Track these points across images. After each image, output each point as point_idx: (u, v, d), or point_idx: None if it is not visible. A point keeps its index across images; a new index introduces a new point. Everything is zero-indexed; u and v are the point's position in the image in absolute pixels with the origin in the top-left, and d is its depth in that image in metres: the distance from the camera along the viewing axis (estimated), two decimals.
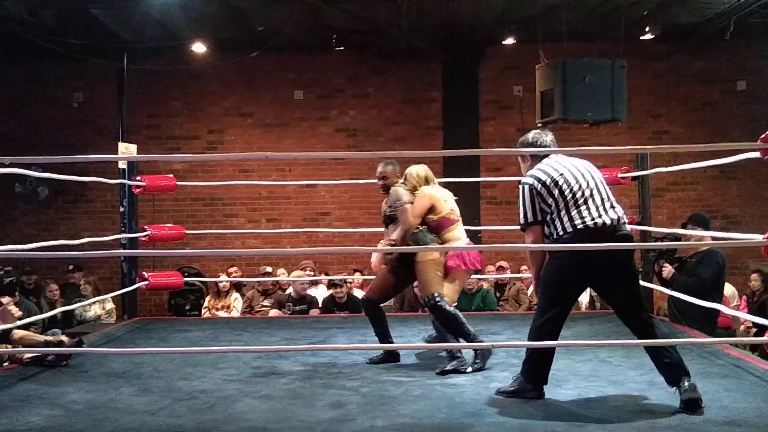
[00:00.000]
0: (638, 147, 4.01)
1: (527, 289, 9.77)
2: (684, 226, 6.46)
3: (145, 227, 7.28)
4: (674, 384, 4.10)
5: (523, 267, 10.71)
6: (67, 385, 4.78)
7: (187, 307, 10.75)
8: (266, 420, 3.98)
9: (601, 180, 4.36)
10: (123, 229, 7.71)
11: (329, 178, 11.16)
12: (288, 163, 11.77)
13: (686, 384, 4.03)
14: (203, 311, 9.77)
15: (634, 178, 7.15)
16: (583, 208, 4.20)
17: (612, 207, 4.27)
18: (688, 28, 10.65)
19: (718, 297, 6.44)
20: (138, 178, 7.15)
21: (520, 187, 4.35)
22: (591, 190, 4.26)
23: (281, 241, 11.60)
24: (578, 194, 4.23)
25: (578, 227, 4.18)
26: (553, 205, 4.24)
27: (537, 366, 4.32)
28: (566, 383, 4.67)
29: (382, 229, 9.56)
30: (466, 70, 11.61)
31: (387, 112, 11.95)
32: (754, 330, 8.12)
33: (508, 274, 9.87)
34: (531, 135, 4.60)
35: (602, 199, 4.26)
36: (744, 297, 9.26)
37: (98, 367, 5.28)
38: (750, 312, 8.40)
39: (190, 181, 9.44)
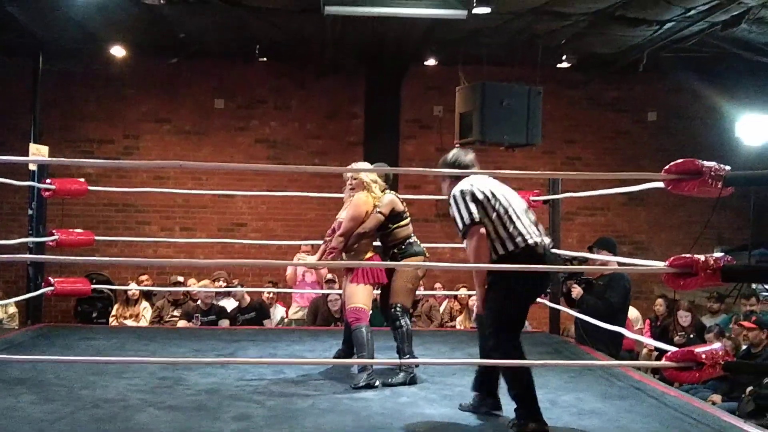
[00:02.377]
0: (550, 172, 4.08)
1: (439, 306, 9.88)
2: (590, 250, 6.64)
3: (54, 231, 7.08)
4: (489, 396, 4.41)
5: (437, 285, 10.84)
6: None
7: (94, 315, 10.51)
8: (169, 431, 3.93)
9: (523, 201, 4.38)
10: (30, 232, 7.48)
11: (247, 189, 11.09)
12: (205, 172, 11.65)
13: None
14: (111, 319, 9.56)
15: (545, 202, 7.31)
16: (519, 224, 4.16)
17: (539, 227, 4.30)
18: (603, 58, 11.00)
19: (624, 320, 6.63)
20: (48, 180, 6.96)
21: (454, 194, 4.21)
22: (523, 209, 4.26)
23: (195, 251, 11.46)
24: (514, 210, 4.19)
25: (523, 245, 4.11)
26: (494, 216, 4.13)
27: (527, 398, 4.08)
28: (468, 401, 4.73)
29: (299, 242, 9.60)
30: (389, 87, 11.71)
31: (308, 125, 11.96)
32: (656, 353, 8.38)
33: (420, 291, 9.94)
34: (450, 155, 4.53)
35: (531, 219, 4.27)
36: (648, 321, 9.55)
37: None
38: (653, 336, 8.67)
39: (102, 186, 9.23)
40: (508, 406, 4.24)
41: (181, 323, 8.70)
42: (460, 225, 4.17)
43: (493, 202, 4.17)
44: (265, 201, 11.57)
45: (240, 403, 4.52)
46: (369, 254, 5.53)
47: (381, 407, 4.53)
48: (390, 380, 5.07)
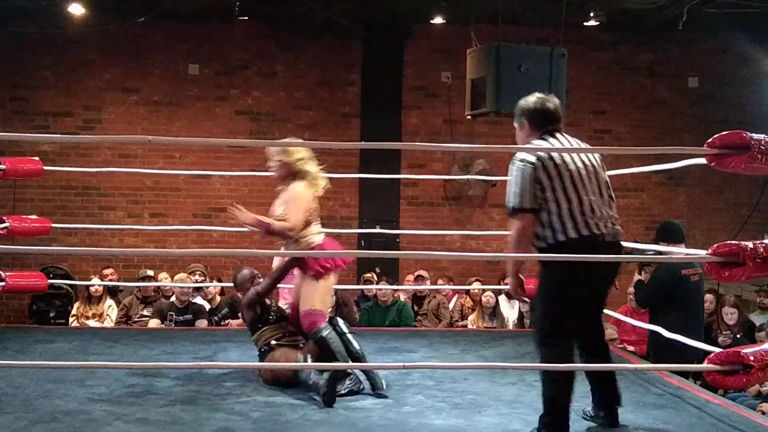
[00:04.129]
0: (576, 147, 4.17)
1: (448, 303, 9.91)
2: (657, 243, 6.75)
3: (4, 218, 7.10)
4: (603, 408, 4.38)
5: (440, 281, 10.85)
6: None
7: (52, 314, 10.53)
8: None
9: (601, 174, 4.38)
10: None
11: (226, 169, 11.07)
12: (178, 149, 11.64)
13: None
14: (71, 319, 9.57)
15: None
16: (579, 209, 4.19)
17: (610, 210, 4.33)
18: (636, 15, 10.94)
19: (673, 319, 6.66)
20: None
21: (516, 163, 4.27)
22: (590, 186, 4.27)
23: (167, 240, 11.45)
24: (579, 190, 4.21)
25: (575, 236, 4.17)
26: (551, 195, 4.18)
27: (558, 407, 4.17)
28: (487, 409, 4.77)
29: None
30: (390, 51, 11.67)
31: (297, 94, 11.93)
32: None
33: (427, 285, 9.97)
34: (534, 98, 4.54)
35: (599, 198, 4.30)
36: None
37: None
38: None
39: (60, 166, 9.23)
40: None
41: (152, 323, 8.73)
42: (510, 204, 4.24)
43: (556, 182, 4.18)
44: (246, 182, 11.55)
45: (220, 415, 4.54)
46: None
47: (382, 417, 4.55)
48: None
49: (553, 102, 4.53)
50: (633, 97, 12.15)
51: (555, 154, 4.24)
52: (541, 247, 4.26)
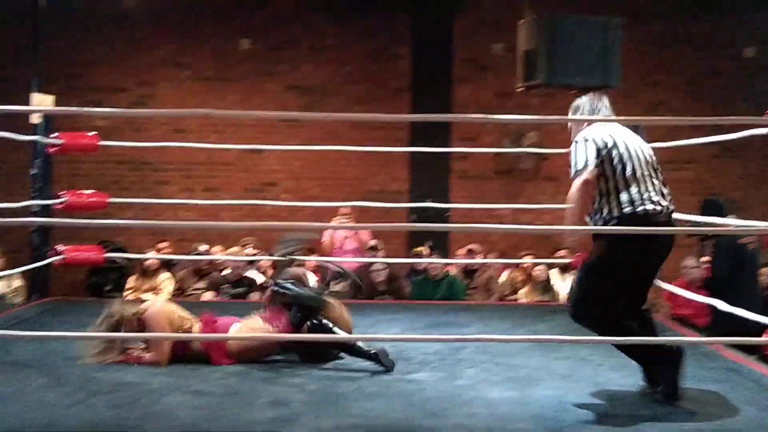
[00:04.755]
0: (629, 117, 4.20)
1: (499, 277, 9.87)
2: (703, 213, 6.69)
3: (61, 193, 7.19)
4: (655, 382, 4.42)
5: (483, 254, 10.79)
6: None
7: (108, 288, 10.68)
8: (197, 418, 4.01)
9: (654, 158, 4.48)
10: (34, 194, 7.62)
11: (277, 143, 11.07)
12: (230, 123, 11.68)
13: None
14: (126, 293, 9.70)
15: None
16: (635, 186, 4.28)
17: (664, 188, 4.41)
18: None
19: (744, 293, 6.63)
20: (55, 135, 7.04)
21: (576, 140, 4.40)
22: (647, 164, 4.37)
23: (220, 213, 11.53)
24: (635, 166, 4.32)
25: (632, 211, 4.24)
26: (609, 171, 4.29)
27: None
28: (541, 383, 4.76)
29: (337, 204, 9.63)
30: (439, 23, 11.59)
31: (347, 68, 11.91)
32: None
33: (479, 259, 9.94)
34: (586, 100, 4.72)
35: (655, 177, 4.39)
36: None
37: (3, 353, 5.25)
38: None
39: (115, 141, 9.31)
40: None
41: (207, 296, 8.82)
42: (572, 170, 4.33)
43: (613, 153, 4.29)
44: (298, 157, 11.59)
45: (276, 388, 4.59)
46: None
47: (436, 390, 4.57)
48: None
49: (604, 102, 4.70)
50: (687, 68, 11.95)
51: (618, 137, 4.34)
52: (597, 222, 4.34)
